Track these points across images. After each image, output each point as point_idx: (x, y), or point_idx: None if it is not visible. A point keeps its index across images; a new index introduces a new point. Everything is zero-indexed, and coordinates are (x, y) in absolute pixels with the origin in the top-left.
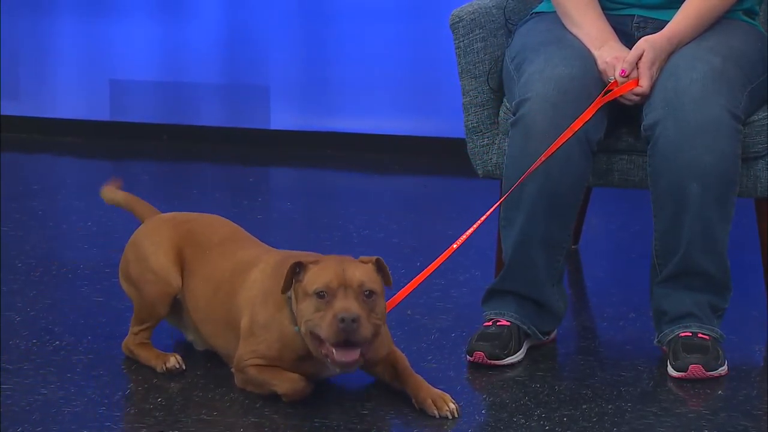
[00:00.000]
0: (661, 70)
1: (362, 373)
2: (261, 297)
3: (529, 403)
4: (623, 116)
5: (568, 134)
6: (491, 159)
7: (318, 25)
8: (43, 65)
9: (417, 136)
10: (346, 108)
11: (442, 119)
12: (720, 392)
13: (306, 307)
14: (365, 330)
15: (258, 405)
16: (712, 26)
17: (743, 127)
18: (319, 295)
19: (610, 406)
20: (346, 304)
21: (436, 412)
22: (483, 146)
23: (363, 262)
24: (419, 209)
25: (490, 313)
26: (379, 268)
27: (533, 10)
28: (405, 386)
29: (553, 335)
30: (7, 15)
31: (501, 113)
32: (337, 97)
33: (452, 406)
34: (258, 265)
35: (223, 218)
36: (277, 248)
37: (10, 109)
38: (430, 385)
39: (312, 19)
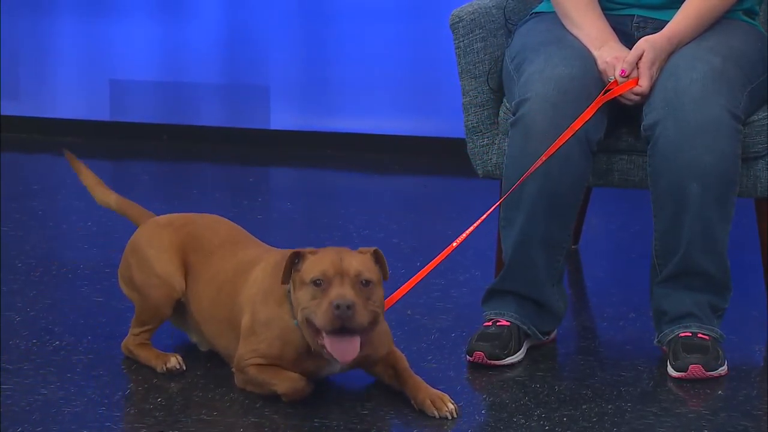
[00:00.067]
0: (661, 70)
1: (362, 373)
2: (262, 295)
3: (529, 403)
4: (623, 116)
5: (568, 134)
6: (491, 159)
7: (318, 25)
8: (43, 65)
9: (417, 136)
10: (346, 108)
11: (442, 119)
12: (720, 392)
13: (303, 296)
14: (361, 317)
15: (258, 405)
16: (712, 26)
17: (743, 127)
18: (316, 283)
19: (610, 406)
20: (342, 291)
21: (435, 412)
22: (483, 146)
23: (361, 252)
24: (419, 209)
25: (490, 313)
26: (377, 259)
27: (533, 10)
28: (404, 387)
29: (553, 335)
30: (7, 15)
31: (501, 113)
32: (337, 97)
33: (451, 406)
34: (259, 264)
35: (222, 218)
36: (277, 248)
37: (10, 109)
38: (428, 386)
39: (312, 19)
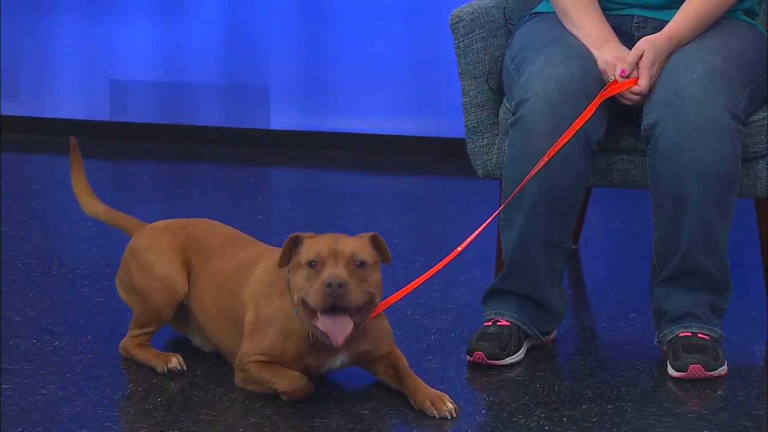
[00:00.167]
0: (661, 70)
1: (362, 373)
2: (265, 291)
3: (529, 403)
4: (623, 116)
5: (570, 134)
6: (491, 159)
7: (318, 25)
8: (43, 65)
9: (417, 136)
10: (345, 108)
11: (442, 119)
12: (720, 392)
13: (298, 277)
14: (354, 296)
15: (258, 405)
16: (712, 26)
17: (743, 127)
18: (311, 264)
19: (610, 406)
20: (334, 271)
21: (435, 412)
22: (483, 146)
23: (359, 237)
24: (419, 209)
25: (490, 313)
26: (376, 244)
27: (533, 10)
28: (404, 387)
29: (553, 335)
30: (7, 15)
31: (501, 113)
32: (336, 97)
33: (450, 406)
34: (261, 262)
35: (218, 222)
36: (278, 247)
37: (11, 109)
38: (428, 386)
39: (312, 19)
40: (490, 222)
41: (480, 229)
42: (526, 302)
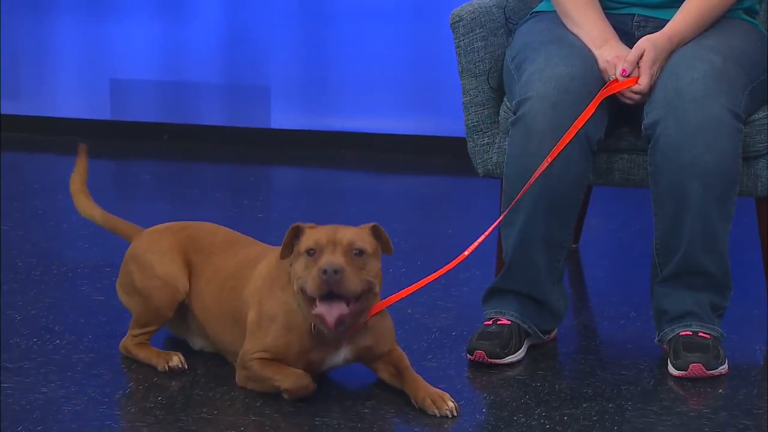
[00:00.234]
0: (661, 69)
1: (363, 371)
2: (267, 287)
3: (529, 401)
4: (624, 115)
5: (572, 133)
6: (491, 158)
7: (318, 25)
8: (43, 64)
9: (417, 136)
10: (346, 107)
11: (442, 118)
12: (720, 391)
13: (298, 266)
14: (351, 283)
15: (259, 404)
16: (712, 25)
17: (744, 126)
18: (309, 252)
19: (610, 405)
20: (331, 258)
21: (435, 411)
22: (483, 145)
23: (360, 227)
24: (419, 208)
25: (491, 312)
26: (377, 234)
27: (533, 10)
28: (405, 386)
29: (553, 334)
30: (7, 14)
31: (501, 112)
32: (337, 96)
33: (451, 404)
34: (263, 259)
35: (216, 224)
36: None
37: (11, 108)
38: (428, 385)
39: (312, 19)
40: (487, 217)
41: (487, 232)
42: (526, 301)
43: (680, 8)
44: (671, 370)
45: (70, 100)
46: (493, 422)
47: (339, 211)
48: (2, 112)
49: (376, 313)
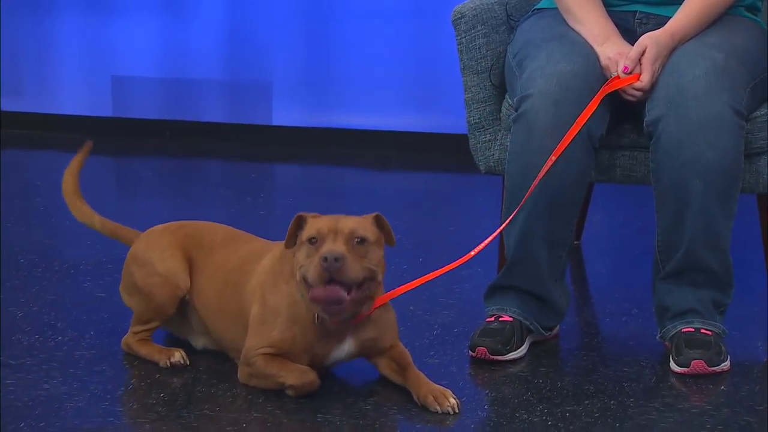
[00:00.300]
0: (663, 66)
1: (365, 368)
2: (270, 281)
3: (531, 398)
4: (626, 112)
5: (575, 130)
6: (493, 155)
7: (320, 22)
8: (45, 62)
9: (419, 133)
10: (348, 104)
11: (444, 115)
12: (722, 388)
13: (300, 255)
14: (351, 271)
15: (261, 400)
16: (714, 22)
17: (746, 123)
18: (311, 241)
19: (612, 402)
20: (332, 246)
21: (437, 407)
22: (485, 142)
23: (363, 217)
24: (421, 205)
25: (493, 309)
26: (380, 224)
27: (535, 6)
28: (407, 382)
29: (555, 331)
30: (10, 12)
31: (503, 109)
32: (339, 93)
33: (453, 401)
34: (266, 254)
35: (215, 222)
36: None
37: (13, 105)
38: (430, 381)
39: (314, 16)
40: (490, 214)
41: (495, 233)
42: (528, 298)
43: (682, 5)
44: (673, 366)
45: (72, 97)
46: (495, 419)
47: (341, 208)
48: (4, 109)
49: (379, 306)
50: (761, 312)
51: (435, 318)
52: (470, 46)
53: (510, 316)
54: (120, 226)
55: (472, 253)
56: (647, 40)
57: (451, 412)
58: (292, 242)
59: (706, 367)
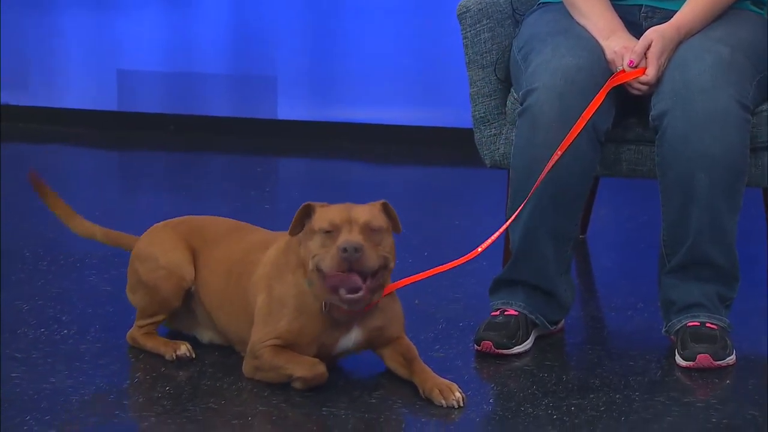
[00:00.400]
0: (669, 60)
1: (371, 361)
2: (276, 272)
3: (536, 392)
4: (632, 106)
5: (581, 124)
6: (499, 149)
7: (325, 16)
8: (50, 55)
9: (424, 127)
10: (353, 98)
11: (449, 109)
12: (728, 382)
13: (312, 244)
14: (369, 260)
15: (266, 394)
16: (720, 16)
17: (752, 117)
18: (326, 231)
19: (618, 396)
20: (350, 236)
21: (443, 401)
22: (490, 136)
23: (371, 204)
24: (427, 199)
25: (498, 303)
26: (387, 211)
27: (540, 0)
28: (413, 376)
29: (560, 325)
30: (15, 6)
31: (508, 103)
32: (344, 87)
33: (458, 395)
34: (272, 245)
35: (216, 216)
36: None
37: (19, 99)
38: (436, 375)
39: (319, 10)
40: (495, 208)
41: (502, 229)
42: (533, 292)
43: None
44: (678, 360)
45: (77, 91)
46: (500, 413)
47: (345, 201)
48: (10, 103)
49: (386, 295)
50: (766, 306)
51: (440, 312)
52: (475, 40)
53: (515, 310)
54: (122, 234)
55: (479, 249)
56: (653, 33)
57: (457, 406)
58: (297, 230)
59: (712, 361)
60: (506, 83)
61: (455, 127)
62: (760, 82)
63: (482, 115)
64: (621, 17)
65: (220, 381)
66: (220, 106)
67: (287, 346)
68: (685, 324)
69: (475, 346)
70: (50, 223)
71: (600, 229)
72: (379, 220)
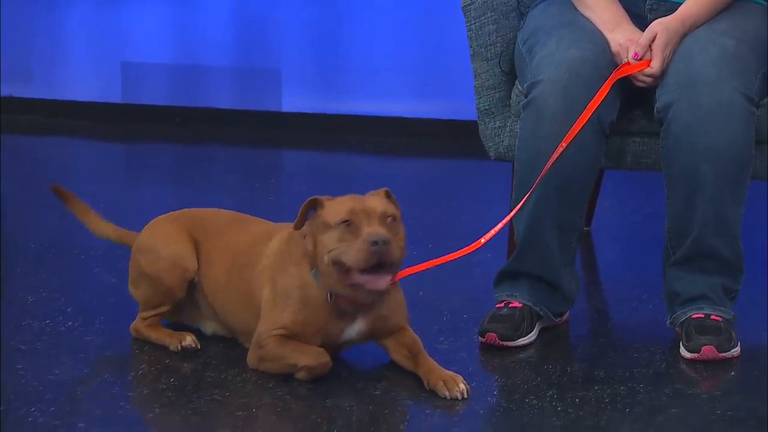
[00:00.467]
0: (674, 52)
1: (375, 353)
2: (279, 264)
3: (541, 384)
4: (636, 99)
5: (586, 117)
6: (503, 141)
7: (329, 8)
8: (55, 48)
9: (429, 119)
10: (357, 90)
11: (454, 102)
12: (732, 373)
13: (328, 238)
14: (395, 252)
15: (271, 385)
16: (725, 9)
17: (756, 110)
18: (345, 223)
19: (622, 388)
20: (376, 229)
21: (447, 393)
22: (495, 129)
23: (376, 194)
24: (431, 192)
25: (502, 295)
26: (390, 199)
27: None
28: (417, 368)
29: (565, 317)
30: None
31: (513, 96)
32: (348, 79)
33: (462, 387)
34: (275, 236)
35: (218, 208)
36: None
37: (24, 91)
38: (441, 367)
39: (324, 2)
40: (500, 200)
41: (505, 220)
42: (538, 284)
43: None
44: (683, 352)
45: (82, 83)
46: (504, 404)
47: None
48: (14, 95)
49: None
50: None
51: (445, 304)
52: (480, 32)
53: (520, 302)
54: (132, 234)
55: (482, 240)
56: (658, 26)
57: (461, 398)
58: (301, 224)
59: (717, 353)
60: (511, 76)
61: (460, 120)
62: (765, 74)
63: (487, 107)
64: (626, 9)
65: (225, 373)
66: (224, 99)
67: (292, 336)
68: (690, 316)
69: (480, 338)
70: (55, 216)
71: (605, 221)
72: (392, 208)
